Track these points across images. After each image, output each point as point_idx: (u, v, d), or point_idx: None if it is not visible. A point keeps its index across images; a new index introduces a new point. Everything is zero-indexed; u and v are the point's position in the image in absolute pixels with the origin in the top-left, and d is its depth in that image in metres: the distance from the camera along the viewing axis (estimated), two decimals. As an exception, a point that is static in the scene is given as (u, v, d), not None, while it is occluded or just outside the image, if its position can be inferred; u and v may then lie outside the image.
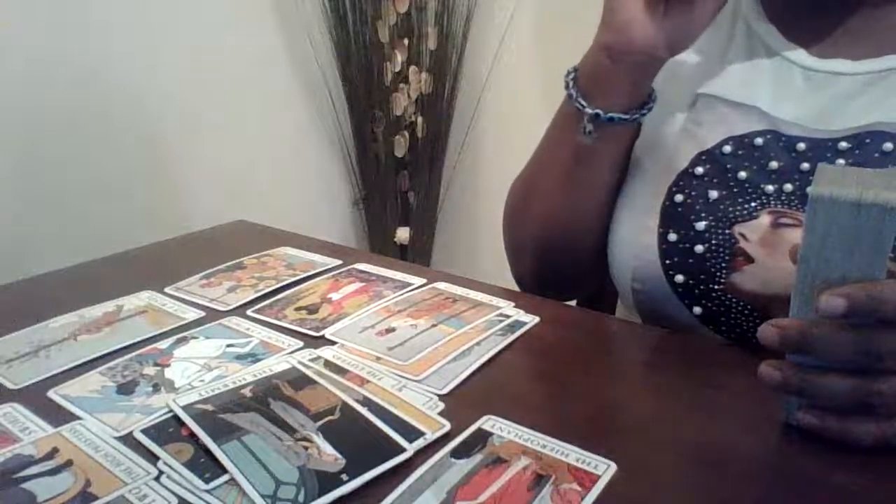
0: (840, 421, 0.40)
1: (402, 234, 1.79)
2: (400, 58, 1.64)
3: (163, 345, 0.53)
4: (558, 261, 0.67)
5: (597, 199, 0.63)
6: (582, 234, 0.65)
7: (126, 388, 0.47)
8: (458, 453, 0.40)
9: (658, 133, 0.62)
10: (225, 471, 0.38)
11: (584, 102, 0.58)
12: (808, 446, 0.41)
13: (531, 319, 0.57)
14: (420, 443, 0.40)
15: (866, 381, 0.38)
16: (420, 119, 1.70)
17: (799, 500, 0.37)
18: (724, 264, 0.55)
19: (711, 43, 0.62)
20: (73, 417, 0.44)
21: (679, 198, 0.58)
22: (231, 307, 0.60)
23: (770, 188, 0.55)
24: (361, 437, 0.41)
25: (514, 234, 0.71)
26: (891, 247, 0.37)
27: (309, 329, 0.55)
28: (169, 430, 0.42)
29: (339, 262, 0.69)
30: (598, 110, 0.58)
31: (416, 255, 1.81)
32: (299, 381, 0.47)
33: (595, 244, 0.65)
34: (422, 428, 0.42)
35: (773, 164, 0.55)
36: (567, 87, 0.60)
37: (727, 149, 0.57)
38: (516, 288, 0.71)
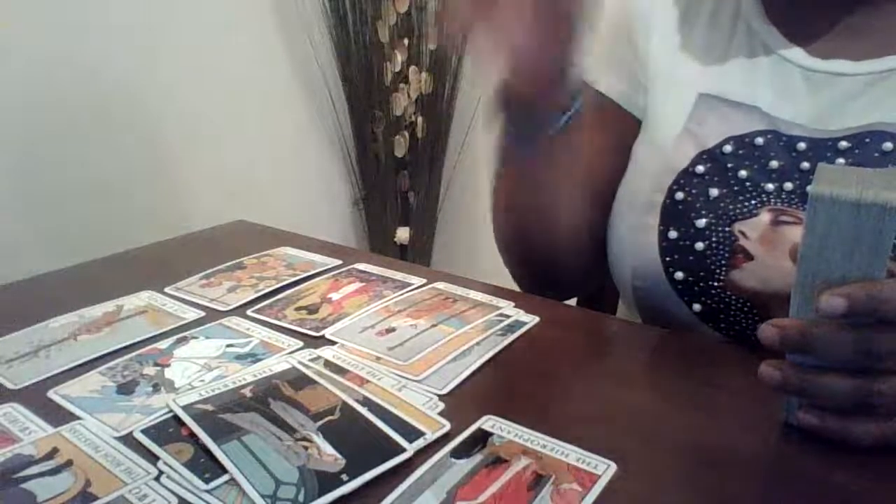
0: (840, 421, 0.40)
1: (402, 234, 1.79)
2: (400, 58, 1.64)
3: (163, 345, 0.53)
4: (545, 264, 0.68)
5: (566, 204, 0.63)
6: (561, 239, 0.65)
7: (126, 388, 0.47)
8: (458, 453, 0.40)
9: (658, 133, 0.62)
10: (225, 471, 0.38)
11: (510, 129, 0.58)
12: (808, 446, 0.41)
13: (531, 319, 0.57)
14: (420, 443, 0.40)
15: (866, 380, 0.38)
16: (420, 119, 1.70)
17: (799, 500, 0.37)
18: (723, 261, 0.55)
19: (712, 43, 0.62)
20: (73, 417, 0.44)
21: (679, 196, 0.58)
22: (231, 307, 0.60)
23: (770, 187, 0.55)
24: (361, 437, 0.41)
25: (499, 240, 0.71)
26: (891, 246, 0.37)
27: (309, 329, 0.55)
28: (169, 430, 0.42)
29: (339, 262, 0.69)
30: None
31: (416, 255, 1.81)
32: (299, 381, 0.47)
33: (581, 244, 0.65)
34: (422, 428, 0.42)
35: (774, 164, 0.55)
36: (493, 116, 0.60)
37: (728, 148, 0.57)
38: (516, 288, 0.71)
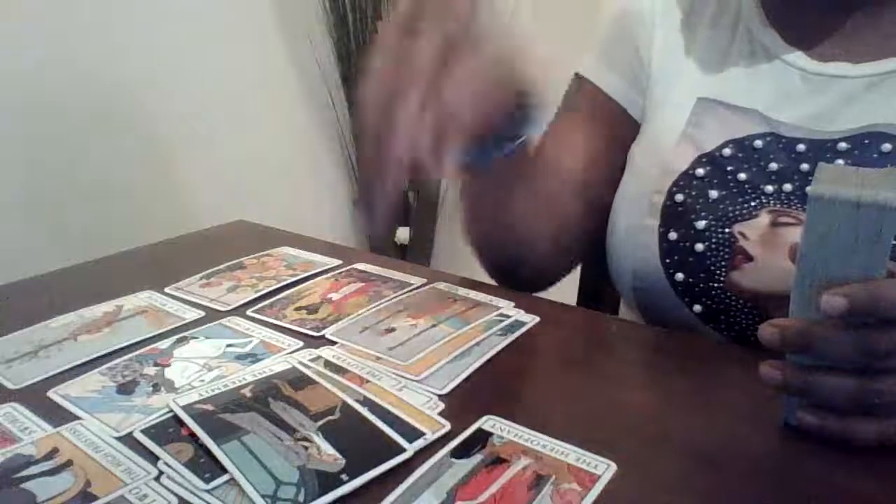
0: (840, 420, 0.40)
1: (402, 234, 1.79)
2: (400, 58, 1.64)
3: (163, 345, 0.53)
4: (510, 265, 0.68)
5: (522, 216, 0.64)
6: (522, 245, 0.66)
7: (126, 388, 0.47)
8: (458, 453, 0.40)
9: (658, 136, 0.62)
10: (225, 471, 0.38)
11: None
12: (808, 446, 0.41)
13: (531, 319, 0.57)
14: (420, 443, 0.40)
15: (867, 380, 0.38)
16: (420, 119, 1.70)
17: (799, 500, 0.37)
18: (723, 262, 0.55)
19: (713, 47, 0.62)
20: (73, 417, 0.44)
21: (679, 197, 0.58)
22: (231, 307, 0.60)
23: (769, 188, 0.55)
24: (361, 437, 0.41)
25: (470, 244, 0.71)
26: (890, 246, 0.37)
27: (309, 329, 0.55)
28: (169, 430, 0.42)
29: (339, 262, 0.69)
30: None
31: (416, 255, 1.81)
32: (299, 381, 0.47)
33: (542, 250, 0.66)
34: (422, 428, 0.42)
35: (773, 166, 0.55)
36: None
37: (727, 151, 0.57)
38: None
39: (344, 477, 0.37)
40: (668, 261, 0.58)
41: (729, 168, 0.57)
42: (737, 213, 0.55)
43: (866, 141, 0.53)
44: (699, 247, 0.56)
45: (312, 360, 0.50)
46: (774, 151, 0.56)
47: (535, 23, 1.68)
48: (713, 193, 0.57)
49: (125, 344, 0.53)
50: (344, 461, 0.38)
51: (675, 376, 0.50)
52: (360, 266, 0.68)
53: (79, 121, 1.29)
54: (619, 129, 0.67)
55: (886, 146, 0.52)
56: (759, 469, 0.40)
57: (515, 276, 0.68)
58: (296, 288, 0.64)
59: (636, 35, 0.66)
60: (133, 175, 1.39)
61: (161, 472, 0.39)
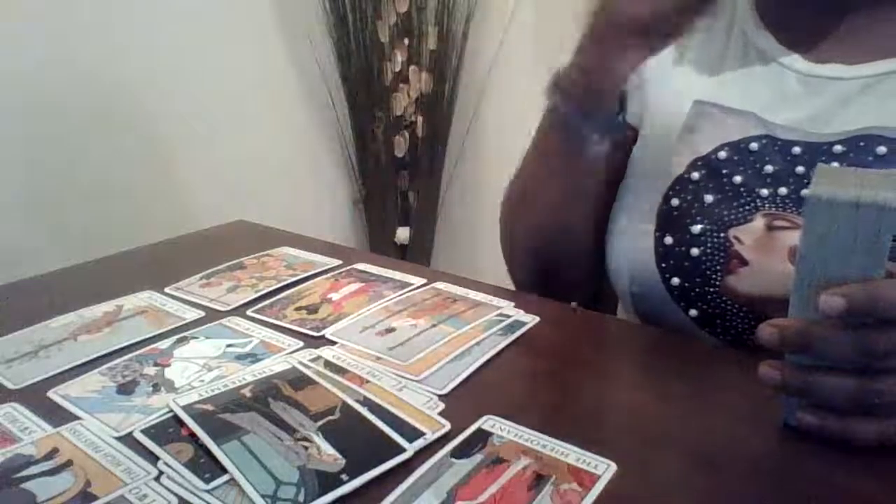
0: (840, 421, 0.40)
1: (402, 234, 1.79)
2: (400, 58, 1.64)
3: (163, 345, 0.53)
4: (556, 268, 0.68)
5: (595, 207, 0.65)
6: (579, 240, 0.66)
7: (126, 388, 0.47)
8: (458, 453, 0.40)
9: (655, 139, 0.63)
10: (225, 471, 0.38)
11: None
12: (808, 446, 0.41)
13: (531, 319, 0.57)
14: (420, 443, 0.40)
15: (866, 380, 0.38)
16: (420, 119, 1.70)
17: (799, 500, 0.37)
18: (719, 267, 0.55)
19: (708, 50, 0.62)
20: (73, 417, 0.44)
21: (675, 202, 0.58)
22: (231, 307, 0.60)
23: (765, 192, 0.55)
24: (361, 437, 0.41)
25: (512, 240, 0.71)
26: (889, 247, 0.37)
27: (309, 329, 0.55)
28: (169, 430, 0.42)
29: (339, 262, 0.69)
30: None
31: (416, 255, 1.81)
32: (299, 381, 0.47)
33: (591, 248, 0.66)
34: (422, 428, 0.42)
35: (769, 168, 0.55)
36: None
37: (722, 154, 0.57)
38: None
39: (344, 477, 0.37)
40: (663, 265, 0.58)
41: (724, 171, 0.57)
42: (732, 217, 0.55)
43: (861, 143, 0.53)
44: (695, 251, 0.56)
45: (312, 360, 0.50)
46: (770, 154, 0.56)
47: (535, 23, 1.68)
48: (708, 198, 0.57)
49: (125, 344, 0.53)
50: (344, 461, 0.38)
51: (674, 376, 0.50)
52: (360, 266, 0.68)
53: (79, 121, 1.29)
54: (619, 140, 0.67)
55: (881, 149, 0.52)
56: (759, 469, 0.40)
57: (552, 274, 0.68)
58: (296, 288, 0.64)
59: None
60: (133, 175, 1.39)
61: (161, 472, 0.39)
